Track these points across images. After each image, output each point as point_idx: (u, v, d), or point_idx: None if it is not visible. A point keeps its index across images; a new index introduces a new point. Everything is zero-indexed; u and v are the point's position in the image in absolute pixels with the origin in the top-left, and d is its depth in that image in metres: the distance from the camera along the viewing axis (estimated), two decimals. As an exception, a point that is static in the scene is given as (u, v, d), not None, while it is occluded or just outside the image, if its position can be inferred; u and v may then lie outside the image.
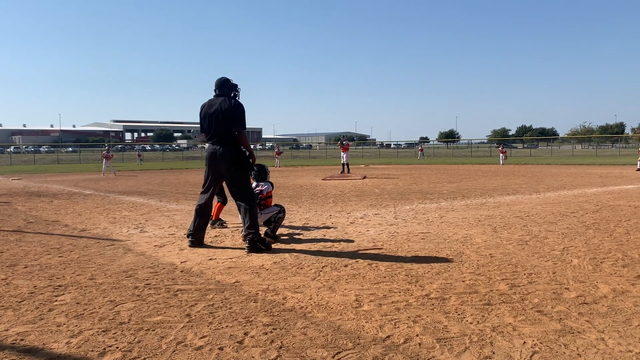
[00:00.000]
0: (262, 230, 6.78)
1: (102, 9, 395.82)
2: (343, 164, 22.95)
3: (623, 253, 5.80)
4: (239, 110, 6.28)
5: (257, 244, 6.10)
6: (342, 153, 23.16)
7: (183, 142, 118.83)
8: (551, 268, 5.15)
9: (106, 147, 28.48)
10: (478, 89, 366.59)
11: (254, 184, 7.04)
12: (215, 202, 7.64)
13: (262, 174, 7.24)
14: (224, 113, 6.19)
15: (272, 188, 7.24)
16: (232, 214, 9.36)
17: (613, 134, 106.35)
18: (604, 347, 3.17)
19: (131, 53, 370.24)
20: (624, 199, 11.48)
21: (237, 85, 6.46)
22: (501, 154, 33.24)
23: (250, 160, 6.41)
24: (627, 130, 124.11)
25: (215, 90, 6.43)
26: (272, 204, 7.18)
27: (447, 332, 3.44)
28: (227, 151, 6.20)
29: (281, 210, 6.98)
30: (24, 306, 4.08)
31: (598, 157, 45.59)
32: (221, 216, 8.62)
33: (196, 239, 6.44)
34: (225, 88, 6.36)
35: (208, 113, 6.31)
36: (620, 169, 24.93)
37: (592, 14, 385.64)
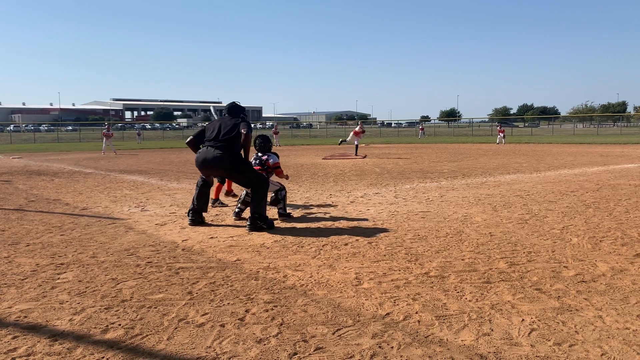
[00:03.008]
0: (273, 211, 6.85)
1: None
2: (356, 146, 21.57)
3: (622, 232, 5.82)
4: (247, 121, 6.54)
5: (258, 222, 6.13)
6: (355, 136, 21.59)
7: (183, 121, 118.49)
8: (550, 247, 5.18)
9: (106, 126, 28.38)
10: (480, 68, 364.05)
11: (258, 155, 7.08)
12: (215, 182, 7.68)
13: (267, 145, 7.24)
14: (232, 124, 6.37)
15: (278, 159, 7.23)
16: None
17: (615, 112, 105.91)
18: (602, 324, 3.21)
19: (131, 31, 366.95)
20: (624, 177, 11.48)
21: (244, 109, 6.76)
22: (500, 133, 33.20)
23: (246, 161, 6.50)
24: (630, 109, 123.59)
25: (224, 115, 6.66)
26: (284, 173, 7.21)
27: (446, 310, 3.47)
28: (223, 155, 6.21)
29: (283, 188, 7.01)
30: (27, 284, 4.11)
31: (599, 136, 45.45)
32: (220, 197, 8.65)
33: (194, 217, 6.52)
34: (234, 112, 6.57)
35: (216, 123, 6.51)
36: (622, 148, 24.89)
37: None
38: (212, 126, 6.52)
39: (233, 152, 6.29)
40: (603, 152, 22.06)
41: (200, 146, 6.50)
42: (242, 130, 6.30)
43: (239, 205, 6.89)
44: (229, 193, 8.63)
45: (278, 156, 7.26)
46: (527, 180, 11.19)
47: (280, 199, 6.95)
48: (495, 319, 3.30)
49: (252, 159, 6.96)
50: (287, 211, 7.05)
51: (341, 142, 23.62)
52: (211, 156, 6.24)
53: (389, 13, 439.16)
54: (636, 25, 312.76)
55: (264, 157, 7.07)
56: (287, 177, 7.42)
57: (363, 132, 22.22)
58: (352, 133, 21.85)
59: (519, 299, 3.68)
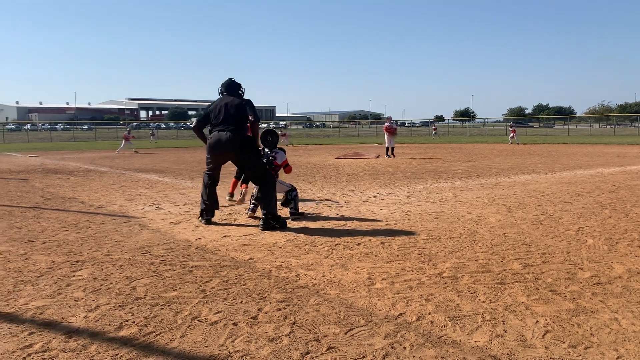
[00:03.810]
0: (285, 211, 6.87)
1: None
2: (387, 147, 20.31)
3: (639, 233, 5.74)
4: (251, 103, 6.59)
5: (270, 222, 6.14)
6: (389, 136, 20.30)
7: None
8: (565, 248, 5.12)
9: (128, 129, 28.93)
10: (494, 67, 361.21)
11: (266, 152, 7.06)
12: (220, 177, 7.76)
13: (275, 139, 7.13)
14: (236, 105, 6.43)
15: (285, 155, 7.24)
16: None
17: (632, 112, 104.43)
18: (618, 327, 3.17)
19: (146, 31, 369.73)
20: (641, 179, 11.32)
21: (241, 84, 6.72)
22: (512, 133, 33.01)
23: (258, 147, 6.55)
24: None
25: (221, 93, 6.67)
26: (292, 171, 7.18)
27: (459, 311, 3.45)
28: (235, 136, 6.30)
29: (294, 189, 7.01)
30: (43, 281, 4.16)
31: (616, 136, 44.86)
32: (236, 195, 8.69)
33: (207, 216, 6.58)
34: (232, 88, 6.61)
35: (219, 105, 6.50)
36: (639, 149, 24.54)
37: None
38: (216, 108, 6.51)
39: (243, 135, 6.39)
40: (620, 152, 21.77)
41: (209, 131, 6.57)
42: (250, 118, 6.41)
43: (253, 201, 6.93)
44: (231, 196, 8.48)
45: (285, 151, 7.27)
46: (542, 181, 11.09)
47: (291, 200, 6.95)
48: (509, 320, 3.27)
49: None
50: (300, 210, 7.05)
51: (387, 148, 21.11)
52: (224, 139, 6.31)
53: (403, 12, 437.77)
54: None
55: (272, 157, 6.99)
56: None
57: (392, 128, 20.41)
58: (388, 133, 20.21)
59: (533, 300, 3.64)
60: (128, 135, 26.82)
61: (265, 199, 6.25)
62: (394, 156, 19.96)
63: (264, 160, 6.82)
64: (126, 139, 26.55)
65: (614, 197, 8.56)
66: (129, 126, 40.96)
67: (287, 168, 7.12)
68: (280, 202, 6.84)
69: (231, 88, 6.61)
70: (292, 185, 7.10)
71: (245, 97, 6.65)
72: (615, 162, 16.20)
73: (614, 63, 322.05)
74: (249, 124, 6.48)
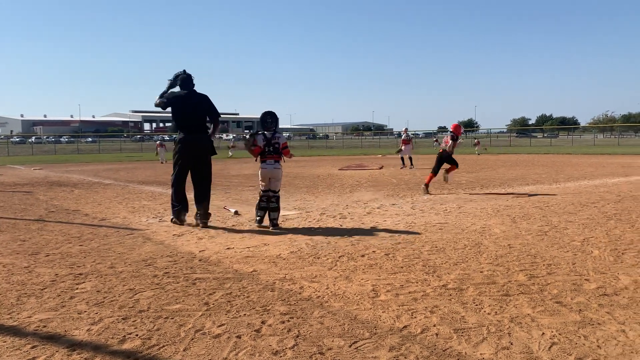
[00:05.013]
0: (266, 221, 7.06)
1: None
2: (402, 158, 20.62)
3: (645, 244, 5.71)
4: (211, 100, 7.35)
5: (209, 217, 7.22)
6: (402, 146, 20.56)
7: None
8: (571, 259, 5.09)
9: (159, 139, 31.64)
10: (497, 78, 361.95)
11: (265, 135, 7.13)
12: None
13: (275, 120, 7.27)
14: (203, 106, 7.23)
15: (285, 138, 7.43)
16: (249, 203, 9.41)
17: (636, 122, 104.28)
18: (625, 338, 3.13)
19: (149, 44, 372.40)
20: (646, 189, 11.26)
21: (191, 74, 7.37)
22: (477, 145, 34.57)
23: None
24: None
25: (180, 86, 7.26)
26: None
27: (464, 323, 3.43)
28: (206, 141, 7.21)
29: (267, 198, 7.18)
30: (46, 294, 4.15)
31: (620, 146, 44.75)
32: (237, 206, 8.71)
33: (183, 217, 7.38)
34: (192, 83, 7.27)
35: (188, 104, 7.16)
36: (643, 159, 24.46)
37: (614, 1, 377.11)
38: (182, 107, 7.14)
39: (210, 139, 7.29)
40: (624, 163, 21.71)
41: (179, 131, 7.19)
42: (218, 119, 7.46)
43: (258, 213, 7.09)
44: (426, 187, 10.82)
45: (283, 134, 7.40)
46: (546, 191, 11.05)
47: (279, 209, 7.12)
48: (515, 333, 3.24)
49: (259, 138, 7.11)
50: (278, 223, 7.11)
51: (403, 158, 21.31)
52: (200, 146, 7.14)
53: (406, 24, 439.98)
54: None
55: (274, 140, 7.10)
56: (291, 156, 7.48)
57: (408, 139, 20.57)
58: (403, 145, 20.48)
59: (539, 312, 3.61)
60: (161, 144, 29.26)
61: (208, 196, 7.23)
62: (411, 165, 20.13)
63: (265, 144, 7.06)
64: (160, 146, 28.85)
65: (619, 207, 8.52)
66: (159, 137, 44.43)
67: (286, 150, 7.24)
68: (269, 204, 7.04)
69: (192, 83, 7.24)
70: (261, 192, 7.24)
71: (202, 92, 7.32)
72: (620, 173, 16.15)
73: (617, 73, 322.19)
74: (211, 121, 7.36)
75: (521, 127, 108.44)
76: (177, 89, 7.31)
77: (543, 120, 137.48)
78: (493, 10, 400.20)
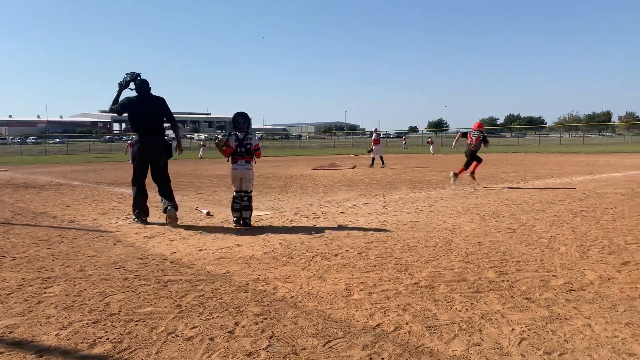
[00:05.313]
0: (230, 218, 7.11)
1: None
2: (373, 157, 20.72)
3: (609, 240, 5.88)
4: (167, 104, 7.54)
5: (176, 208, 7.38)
6: (373, 146, 20.72)
7: (170, 132, 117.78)
8: (539, 256, 5.21)
9: (130, 140, 32.72)
10: (467, 78, 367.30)
11: (237, 136, 7.14)
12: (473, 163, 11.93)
13: (247, 121, 7.33)
14: (159, 109, 7.41)
15: (257, 139, 7.46)
16: (221, 204, 9.34)
17: (600, 122, 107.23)
18: (591, 332, 3.22)
19: (117, 42, 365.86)
20: (610, 186, 11.60)
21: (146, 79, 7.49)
22: (430, 145, 35.46)
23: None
24: (614, 119, 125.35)
25: (135, 89, 7.41)
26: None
27: (436, 320, 3.47)
28: (164, 142, 7.47)
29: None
30: (13, 298, 4.05)
31: (585, 145, 45.96)
32: (210, 207, 8.66)
33: (144, 217, 7.52)
34: (148, 87, 7.41)
35: (144, 108, 7.31)
36: (607, 157, 25.17)
37: (578, 4, 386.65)
38: (138, 110, 7.30)
39: (166, 140, 7.51)
40: (589, 161, 22.30)
41: (138, 134, 7.36)
42: (174, 122, 7.62)
43: (234, 214, 7.12)
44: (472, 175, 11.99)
45: (256, 135, 7.42)
46: (514, 190, 11.27)
47: (251, 208, 7.17)
48: (486, 329, 3.30)
49: (231, 139, 7.12)
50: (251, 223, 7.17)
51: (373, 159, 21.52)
52: (157, 149, 7.34)
53: (377, 26, 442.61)
54: (619, 36, 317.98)
55: (246, 141, 7.12)
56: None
57: (378, 139, 20.83)
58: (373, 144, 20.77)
59: (508, 308, 3.69)
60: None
61: (171, 192, 7.40)
62: (382, 165, 20.42)
63: (237, 144, 7.06)
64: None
65: (584, 204, 8.75)
66: (130, 137, 47.36)
67: (258, 152, 7.26)
68: (242, 205, 7.07)
69: (148, 87, 7.40)
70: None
71: (157, 94, 7.48)
72: (585, 171, 16.58)
73: (581, 73, 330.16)
74: (168, 123, 7.58)
75: (490, 127, 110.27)
76: (131, 92, 7.51)
77: (511, 120, 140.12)
78: (460, 10, 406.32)
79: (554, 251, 5.40)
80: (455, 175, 12.11)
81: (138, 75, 7.42)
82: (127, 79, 7.41)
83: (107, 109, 7.93)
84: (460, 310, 3.65)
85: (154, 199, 8.10)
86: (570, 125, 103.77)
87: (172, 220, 7.15)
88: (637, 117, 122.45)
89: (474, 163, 12.29)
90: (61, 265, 5.08)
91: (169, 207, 7.19)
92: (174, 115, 7.73)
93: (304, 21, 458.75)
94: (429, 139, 39.95)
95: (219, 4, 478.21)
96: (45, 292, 4.20)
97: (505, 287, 4.19)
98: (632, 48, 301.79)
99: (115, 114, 7.67)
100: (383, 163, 20.50)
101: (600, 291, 4.04)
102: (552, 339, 3.13)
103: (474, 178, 12.48)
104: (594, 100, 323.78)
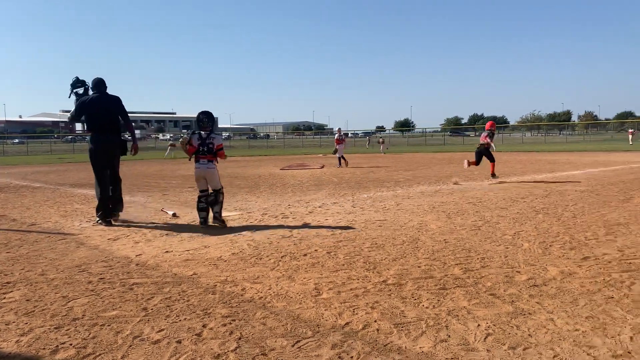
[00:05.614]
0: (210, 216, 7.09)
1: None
2: (339, 158, 21.00)
3: (570, 236, 6.04)
4: (122, 103, 7.68)
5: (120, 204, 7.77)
6: (337, 146, 21.20)
7: (137, 132, 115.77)
8: (503, 252, 5.32)
9: (172, 140, 33.85)
10: (432, 79, 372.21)
11: (201, 135, 7.09)
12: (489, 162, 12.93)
13: (211, 121, 7.26)
14: (114, 107, 7.55)
15: (221, 140, 7.43)
16: (188, 205, 9.22)
17: (560, 121, 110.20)
18: (553, 326, 3.31)
19: (77, 40, 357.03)
20: (571, 184, 11.94)
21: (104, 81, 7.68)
22: (381, 144, 37.28)
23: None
24: (574, 118, 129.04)
25: (92, 89, 7.59)
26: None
27: (404, 317, 3.51)
28: (118, 140, 7.60)
29: (222, 189, 7.17)
30: (-30, 305, 3.90)
31: (547, 144, 47.22)
32: (176, 208, 8.55)
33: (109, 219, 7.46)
34: (103, 87, 7.56)
35: (97, 106, 7.42)
36: (568, 156, 25.91)
37: (538, 5, 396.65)
38: (91, 108, 7.41)
39: (120, 138, 7.66)
40: (550, 159, 22.90)
41: (91, 133, 7.46)
42: (128, 121, 7.77)
43: (200, 214, 7.07)
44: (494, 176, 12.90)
45: (221, 135, 7.36)
46: (479, 188, 11.48)
47: (219, 202, 7.04)
48: (452, 325, 3.35)
49: (194, 138, 7.08)
50: (223, 216, 7.12)
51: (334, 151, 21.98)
52: (110, 146, 7.46)
53: (341, 26, 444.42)
54: (578, 36, 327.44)
55: (209, 140, 7.05)
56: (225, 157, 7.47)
57: (342, 140, 21.28)
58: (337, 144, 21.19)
59: (474, 304, 3.75)
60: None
61: (120, 196, 7.64)
62: (346, 164, 20.82)
63: (199, 143, 7.01)
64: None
65: (546, 202, 8.97)
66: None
67: (221, 152, 7.17)
68: (205, 204, 7.04)
69: (102, 86, 7.53)
70: (222, 185, 7.13)
71: (113, 93, 7.66)
72: (547, 169, 17.03)
73: (542, 73, 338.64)
74: (123, 121, 7.71)
75: (454, 127, 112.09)
76: (87, 91, 7.69)
77: (475, 119, 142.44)
78: (425, 12, 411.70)
79: (518, 248, 5.52)
80: (493, 175, 13.28)
81: (82, 82, 7.65)
82: (77, 93, 7.67)
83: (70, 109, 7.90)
84: (427, 307, 3.70)
85: (127, 200, 7.93)
86: (532, 124, 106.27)
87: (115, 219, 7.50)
88: (596, 116, 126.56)
89: (491, 164, 13.50)
90: (21, 270, 4.93)
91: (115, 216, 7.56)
92: (138, 115, 7.69)
93: (271, 20, 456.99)
94: (381, 139, 41.95)
95: (185, 1, 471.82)
96: (4, 298, 4.07)
97: (471, 283, 4.26)
98: (590, 49, 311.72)
99: (76, 119, 7.73)
100: (340, 164, 20.74)
101: (562, 286, 4.15)
102: (516, 334, 3.20)
103: (495, 176, 13.42)
104: (555, 100, 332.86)
